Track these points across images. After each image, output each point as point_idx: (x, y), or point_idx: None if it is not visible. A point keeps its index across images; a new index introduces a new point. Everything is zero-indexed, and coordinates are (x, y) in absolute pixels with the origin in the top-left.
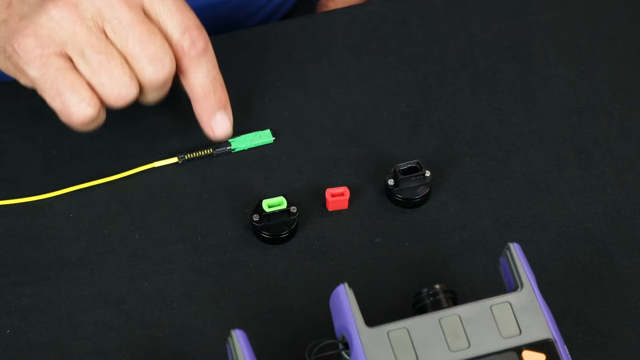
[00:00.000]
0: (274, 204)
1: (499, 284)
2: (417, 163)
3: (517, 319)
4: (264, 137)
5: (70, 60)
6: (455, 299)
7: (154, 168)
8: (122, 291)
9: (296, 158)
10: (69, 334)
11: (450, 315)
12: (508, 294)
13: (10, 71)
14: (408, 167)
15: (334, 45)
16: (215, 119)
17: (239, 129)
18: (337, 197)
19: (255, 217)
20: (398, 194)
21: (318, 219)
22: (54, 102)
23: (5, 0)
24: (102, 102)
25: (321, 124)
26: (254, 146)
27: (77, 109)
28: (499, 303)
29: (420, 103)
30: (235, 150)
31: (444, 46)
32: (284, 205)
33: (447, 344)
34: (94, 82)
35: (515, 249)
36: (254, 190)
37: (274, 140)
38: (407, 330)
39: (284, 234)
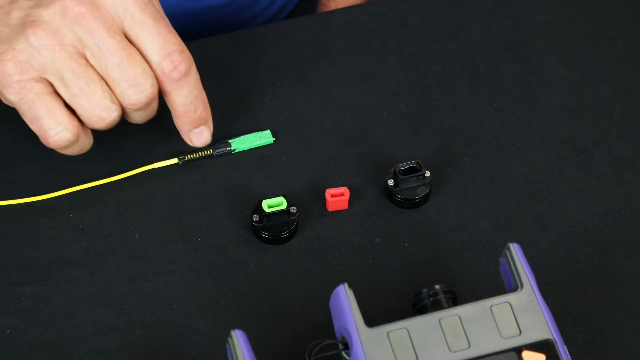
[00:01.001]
0: (274, 204)
1: (499, 284)
2: (417, 163)
3: (517, 319)
4: (264, 137)
5: (50, 84)
6: (455, 299)
7: (154, 169)
8: (122, 291)
9: (296, 158)
10: (69, 334)
11: (450, 316)
12: (508, 294)
13: None
14: (408, 167)
15: (334, 46)
16: (194, 132)
17: (239, 130)
18: (337, 197)
19: (255, 218)
20: (398, 194)
21: (318, 219)
22: (32, 125)
23: None
24: (82, 126)
25: (321, 124)
26: (254, 147)
27: (54, 132)
28: (499, 303)
29: (420, 103)
30: (236, 151)
31: (444, 46)
32: (284, 206)
33: (447, 344)
34: (74, 105)
35: (515, 249)
36: (254, 191)
37: (274, 140)
38: (407, 331)
39: (284, 234)
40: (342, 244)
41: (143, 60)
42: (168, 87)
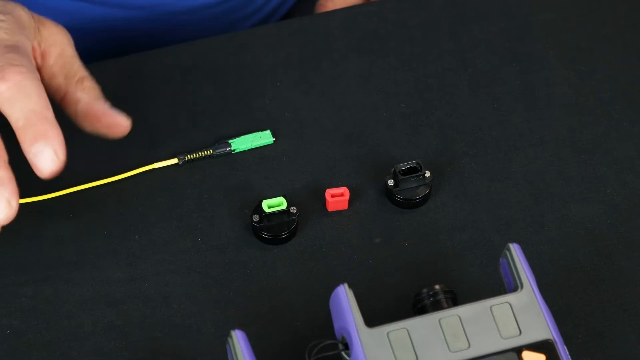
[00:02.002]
0: (274, 204)
1: (499, 284)
2: (417, 163)
3: (517, 319)
4: (264, 137)
5: None
6: (455, 300)
7: (154, 169)
8: (122, 291)
9: (296, 158)
10: (69, 334)
11: (450, 316)
12: (508, 295)
13: None
14: (408, 167)
15: (334, 46)
16: (33, 153)
17: (239, 130)
18: (337, 197)
19: (255, 218)
20: (398, 194)
21: (318, 219)
22: None
23: None
24: None
25: (321, 124)
26: (254, 147)
27: None
28: (499, 303)
29: (420, 103)
30: (236, 151)
31: (443, 46)
32: (284, 206)
33: (447, 344)
34: None
35: (515, 249)
36: (254, 191)
37: (274, 141)
38: (407, 331)
39: (284, 235)
40: (342, 244)
41: None
42: None
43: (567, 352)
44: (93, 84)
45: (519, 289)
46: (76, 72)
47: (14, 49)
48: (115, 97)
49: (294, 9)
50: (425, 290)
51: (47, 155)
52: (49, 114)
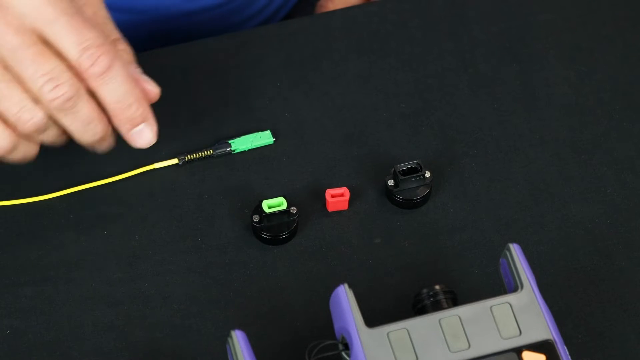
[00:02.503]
0: (274, 204)
1: (499, 284)
2: (417, 164)
3: (517, 319)
4: (264, 138)
5: None
6: (455, 300)
7: (154, 169)
8: (122, 292)
9: (296, 159)
10: (69, 334)
11: (450, 316)
12: (508, 295)
13: None
14: (408, 167)
15: (334, 46)
16: (134, 133)
17: (239, 130)
18: (337, 197)
19: (255, 218)
20: (398, 194)
21: (318, 219)
22: None
23: None
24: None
25: (321, 124)
26: (254, 147)
27: None
28: (499, 304)
29: (420, 104)
30: (236, 152)
31: (444, 47)
32: (284, 206)
33: (447, 344)
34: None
35: (515, 249)
36: (254, 191)
37: (274, 141)
38: (407, 331)
39: (284, 235)
40: (342, 244)
41: (57, 57)
42: (92, 83)
43: (567, 353)
44: (126, 47)
45: (519, 289)
46: (110, 34)
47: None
48: None
49: (294, 10)
50: (425, 291)
51: (147, 134)
52: (139, 92)
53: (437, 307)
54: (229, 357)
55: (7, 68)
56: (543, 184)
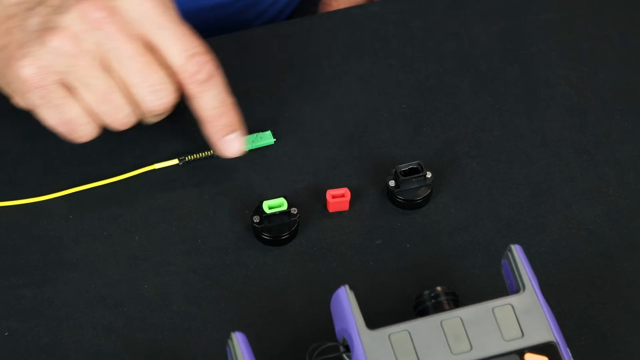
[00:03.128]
0: (275, 205)
1: (501, 286)
2: (418, 164)
3: (519, 321)
4: (264, 138)
5: (71, 88)
6: (457, 301)
7: (154, 169)
8: (122, 293)
9: (297, 159)
10: (68, 336)
11: (452, 318)
12: (510, 296)
13: (9, 94)
14: (409, 168)
15: (335, 46)
16: (226, 141)
17: None
18: (338, 198)
19: (256, 219)
20: (399, 195)
21: (319, 220)
22: (60, 127)
23: (4, 26)
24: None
25: (322, 125)
26: (254, 147)
27: (83, 132)
28: (501, 305)
29: (421, 104)
30: None
31: (445, 47)
32: (285, 207)
33: (448, 346)
34: (96, 110)
35: (517, 250)
36: (254, 192)
37: (274, 141)
38: (409, 333)
39: (285, 236)
40: (343, 246)
41: (163, 67)
42: (193, 90)
43: (570, 355)
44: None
45: (521, 291)
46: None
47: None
48: None
49: (297, 9)
50: (426, 292)
51: (236, 145)
52: (233, 101)
53: (438, 308)
54: (229, 359)
55: (110, 70)
56: (545, 184)
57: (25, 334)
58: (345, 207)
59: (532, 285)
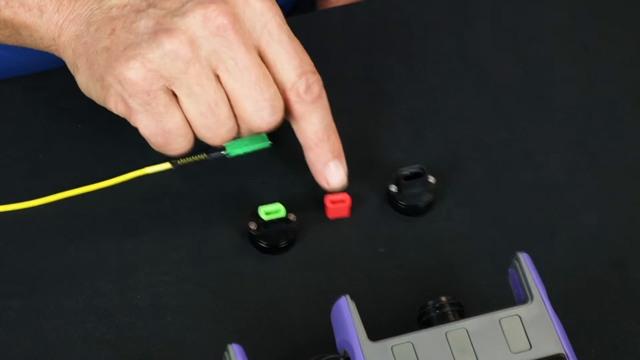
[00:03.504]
0: (272, 211)
1: (508, 296)
2: (420, 168)
3: (527, 333)
4: (260, 141)
5: (176, 96)
6: (462, 312)
7: (146, 174)
8: (114, 303)
9: (294, 163)
10: (58, 348)
11: (457, 329)
12: (517, 307)
13: (101, 100)
14: (411, 172)
15: (333, 45)
16: (329, 168)
17: None
18: (337, 204)
19: (253, 226)
20: (401, 200)
21: (318, 227)
22: (155, 137)
23: (108, 27)
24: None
25: None
26: (250, 151)
27: (177, 146)
28: (508, 316)
29: (422, 105)
30: (231, 155)
31: (447, 46)
32: (283, 213)
33: (453, 359)
34: (197, 123)
35: (524, 259)
36: (250, 197)
37: (270, 144)
38: (412, 345)
39: (283, 244)
40: (343, 254)
41: (275, 83)
42: (301, 108)
43: None
44: None
45: (529, 301)
46: None
47: None
48: None
49: (295, 6)
50: (431, 302)
51: (340, 174)
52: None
53: (443, 319)
54: None
55: (220, 80)
56: (553, 189)
57: (13, 346)
58: (346, 213)
59: (540, 295)
